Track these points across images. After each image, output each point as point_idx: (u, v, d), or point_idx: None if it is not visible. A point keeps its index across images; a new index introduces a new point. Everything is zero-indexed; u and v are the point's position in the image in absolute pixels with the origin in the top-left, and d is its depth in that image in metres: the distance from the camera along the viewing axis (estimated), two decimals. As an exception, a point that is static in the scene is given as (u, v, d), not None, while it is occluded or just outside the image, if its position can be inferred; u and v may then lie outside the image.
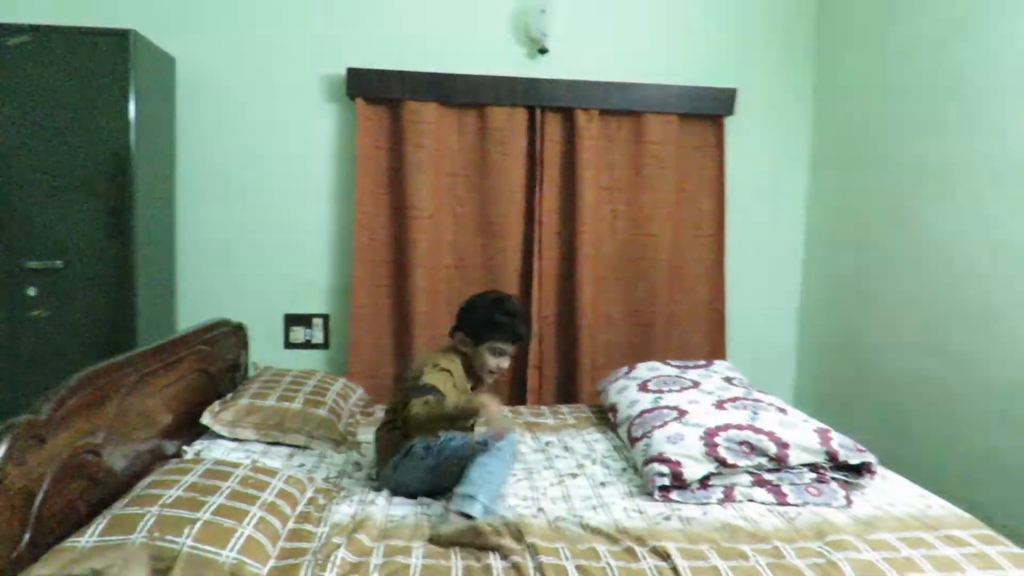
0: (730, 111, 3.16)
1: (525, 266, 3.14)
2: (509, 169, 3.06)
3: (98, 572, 1.24)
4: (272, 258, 3.08)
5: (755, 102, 3.27)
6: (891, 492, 1.92)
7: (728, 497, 1.86)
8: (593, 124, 3.07)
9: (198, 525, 1.37)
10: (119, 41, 2.52)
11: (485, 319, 2.02)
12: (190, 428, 2.15)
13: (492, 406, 1.74)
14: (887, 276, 2.82)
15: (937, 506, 1.83)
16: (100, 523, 1.35)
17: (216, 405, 2.20)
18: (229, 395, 2.33)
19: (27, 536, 1.30)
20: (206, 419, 2.13)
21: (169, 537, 1.32)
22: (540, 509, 1.80)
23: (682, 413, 2.10)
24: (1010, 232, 2.22)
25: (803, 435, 1.93)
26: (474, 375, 2.06)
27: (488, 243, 3.11)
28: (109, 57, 2.51)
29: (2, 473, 1.23)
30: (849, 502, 1.83)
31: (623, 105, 3.08)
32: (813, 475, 1.90)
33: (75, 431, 1.48)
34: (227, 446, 2.09)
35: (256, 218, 3.06)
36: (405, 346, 3.06)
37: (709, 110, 3.14)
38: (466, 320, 2.05)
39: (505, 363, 2.06)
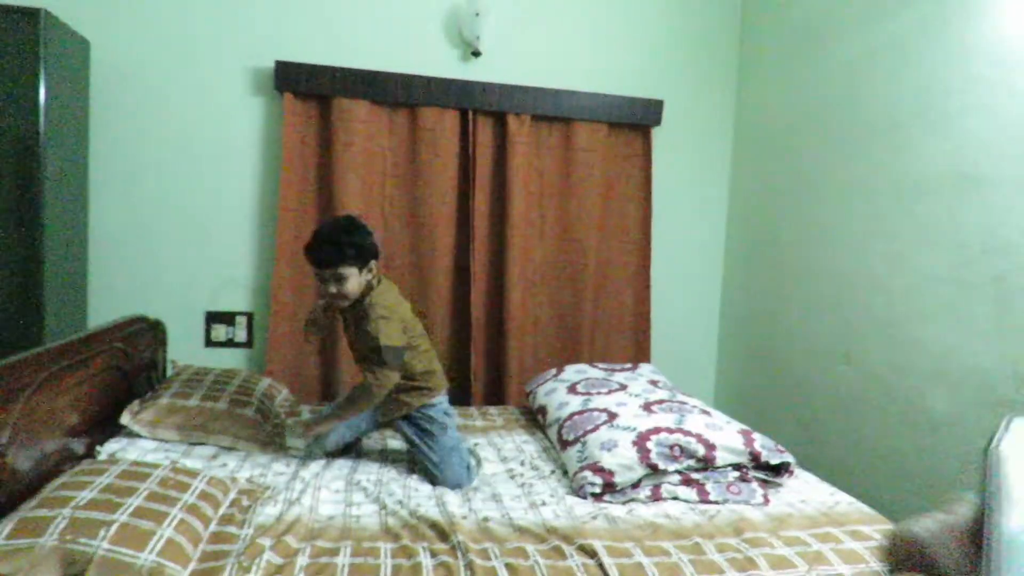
0: (657, 122, 3.25)
1: (456, 268, 3.14)
2: (441, 171, 3.06)
3: (4, 578, 1.17)
4: (193, 254, 2.97)
5: (681, 114, 3.38)
6: (804, 491, 2.02)
7: (655, 496, 1.91)
8: (524, 129, 3.10)
9: (114, 527, 1.31)
10: (29, 20, 2.37)
11: None
12: (102, 429, 2.04)
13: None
14: (799, 285, 2.96)
15: (845, 503, 1.94)
16: (6, 526, 1.27)
17: (135, 404, 2.10)
18: (148, 394, 2.23)
19: (-78, 543, 1.22)
20: (125, 419, 2.03)
21: (83, 540, 1.26)
22: (470, 510, 1.80)
23: (612, 416, 2.15)
24: (909, 245, 2.38)
25: (728, 437, 2.00)
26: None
27: (418, 244, 3.09)
28: (18, 36, 2.37)
29: None
30: (767, 500, 1.92)
31: (554, 111, 3.12)
32: (736, 474, 1.97)
33: (-23, 431, 1.39)
34: (144, 447, 2.00)
35: (176, 212, 2.94)
36: (328, 346, 3.01)
37: (637, 120, 3.23)
38: None
39: (332, 289, 1.97)
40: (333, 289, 1.96)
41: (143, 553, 1.29)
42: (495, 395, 3.18)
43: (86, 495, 1.39)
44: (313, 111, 2.97)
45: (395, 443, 2.29)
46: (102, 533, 1.28)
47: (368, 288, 1.99)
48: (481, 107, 3.05)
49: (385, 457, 2.17)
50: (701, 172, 3.47)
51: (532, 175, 3.17)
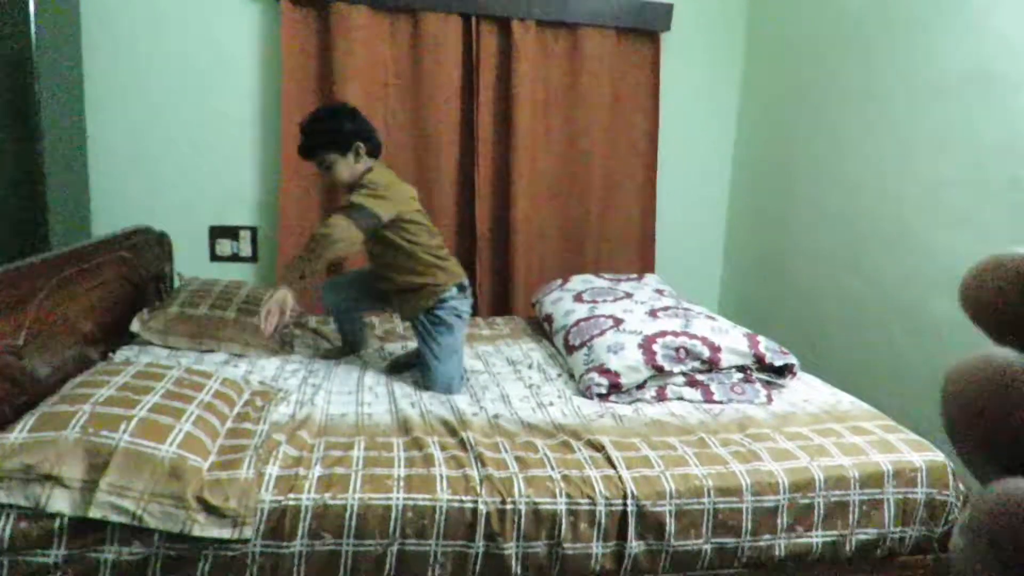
0: (667, 27, 3.15)
1: (461, 179, 3.11)
2: (444, 80, 2.98)
3: (30, 467, 1.21)
4: (195, 168, 2.94)
5: (691, 18, 3.26)
6: (806, 392, 2.06)
7: (660, 396, 1.95)
8: (530, 36, 3.01)
9: (134, 422, 1.34)
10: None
11: None
12: (115, 337, 2.07)
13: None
14: (808, 195, 2.93)
15: (847, 402, 1.98)
16: (28, 420, 1.31)
17: (145, 313, 2.13)
18: (157, 304, 2.25)
19: (-51, 436, 1.25)
20: (135, 326, 2.06)
21: (104, 433, 1.29)
22: (480, 408, 1.84)
23: (618, 322, 2.17)
24: (923, 150, 2.33)
25: (734, 339, 2.02)
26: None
27: (422, 156, 3.05)
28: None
29: (-82, 367, 1.17)
30: (770, 400, 1.95)
31: (560, 16, 3.02)
32: (741, 376, 2.00)
33: (-7, 330, 1.41)
34: (157, 353, 2.03)
35: (176, 126, 2.89)
36: (334, 266, 3.01)
37: (646, 25, 3.12)
38: None
39: (325, 178, 2.01)
40: (326, 178, 1.99)
41: (164, 445, 1.32)
42: (501, 307, 3.20)
43: (104, 392, 1.42)
44: (311, 18, 2.87)
45: (396, 350, 2.32)
46: (123, 427, 1.32)
47: (364, 173, 1.96)
48: (484, 11, 2.95)
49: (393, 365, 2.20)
50: (711, 79, 3.38)
51: (538, 84, 3.10)
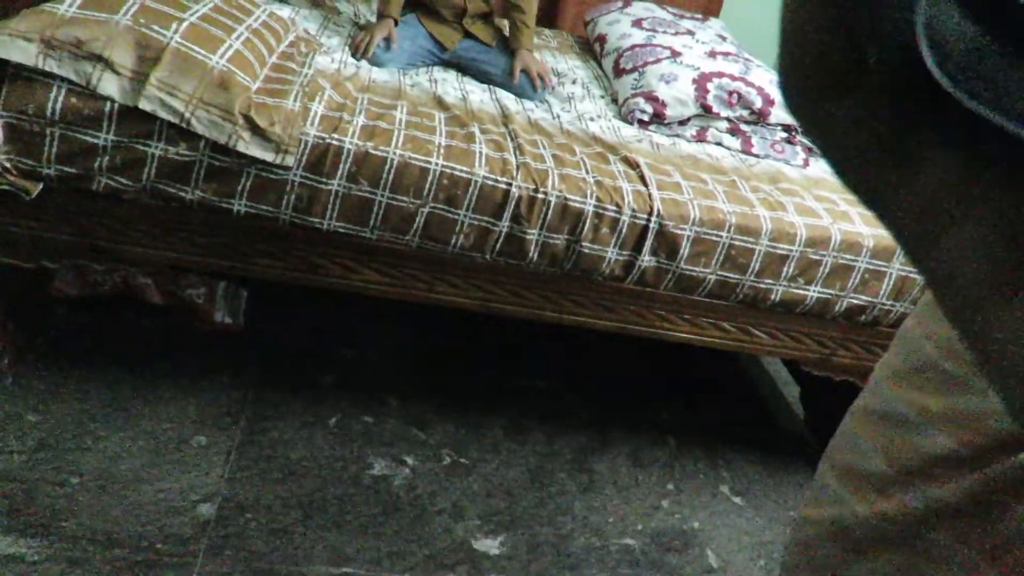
0: None
1: None
2: None
3: (82, 42, 1.18)
4: None
5: None
6: (842, 164, 2.04)
7: (700, 137, 1.93)
8: None
9: (185, 24, 1.30)
10: None
11: None
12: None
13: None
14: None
15: (879, 182, 1.97)
16: (76, -4, 1.26)
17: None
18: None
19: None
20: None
21: (156, 27, 1.26)
22: (523, 108, 1.82)
23: (676, 53, 2.06)
24: None
25: (788, 94, 1.95)
26: None
27: None
28: None
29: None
30: (806, 164, 1.94)
31: None
32: (784, 135, 1.97)
33: None
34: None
35: None
36: None
37: None
38: None
39: None
40: None
41: (214, 56, 1.30)
42: (548, 18, 3.02)
43: (153, -11, 1.35)
44: None
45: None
46: (174, 27, 1.28)
47: None
48: None
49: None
50: None
51: None
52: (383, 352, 1.92)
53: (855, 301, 1.66)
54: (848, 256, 1.60)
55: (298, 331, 1.90)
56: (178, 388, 1.62)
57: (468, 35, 1.98)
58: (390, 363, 1.88)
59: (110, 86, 1.21)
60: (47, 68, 1.18)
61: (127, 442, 1.47)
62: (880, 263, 1.62)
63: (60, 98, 1.21)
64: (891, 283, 1.66)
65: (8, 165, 1.23)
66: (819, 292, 1.63)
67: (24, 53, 1.16)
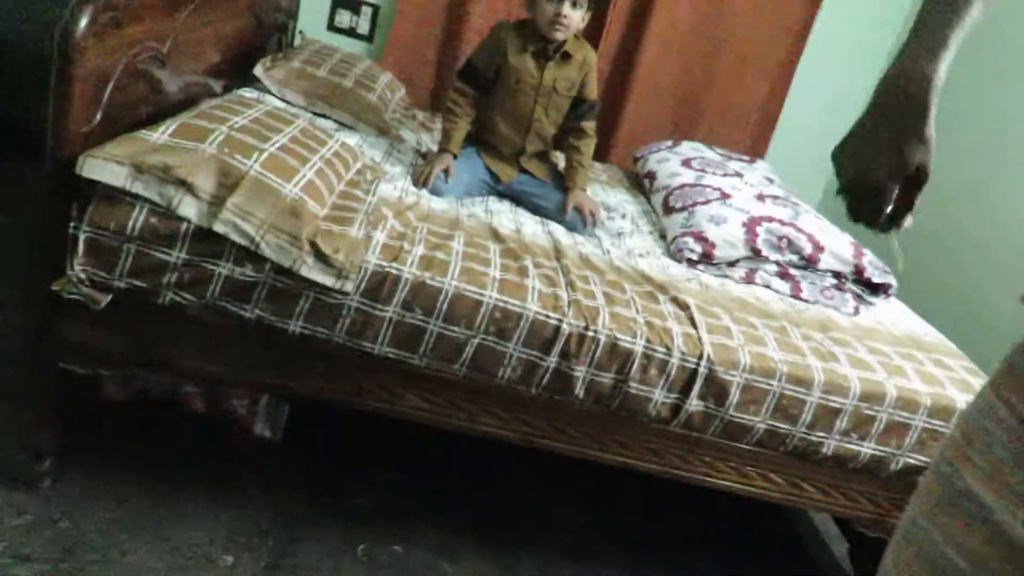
0: None
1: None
2: None
3: (169, 168, 1.26)
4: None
5: None
6: (894, 315, 2.02)
7: (748, 279, 1.93)
8: None
9: (264, 155, 1.37)
10: None
11: None
12: (235, 77, 2.08)
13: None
14: (952, 121, 2.72)
15: (933, 336, 1.94)
16: (171, 125, 1.34)
17: (268, 60, 2.12)
18: (280, 54, 2.23)
19: (98, 116, 1.30)
20: (258, 71, 2.06)
21: (238, 157, 1.33)
22: (575, 243, 1.85)
23: (725, 195, 2.11)
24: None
25: (839, 244, 1.96)
26: (541, 38, 1.92)
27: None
28: None
29: (84, 43, 1.18)
30: (856, 312, 1.93)
31: None
32: (833, 281, 1.96)
33: (146, 30, 1.42)
34: (274, 103, 2.04)
35: None
36: (448, 56, 2.92)
37: None
38: None
39: (566, 8, 1.83)
40: (567, 11, 1.84)
41: (288, 184, 1.36)
42: (598, 152, 3.11)
43: (239, 120, 1.45)
44: None
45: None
46: (255, 156, 1.35)
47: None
48: None
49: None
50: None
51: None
52: (420, 477, 1.88)
53: (912, 461, 1.59)
54: (904, 414, 1.55)
55: (336, 450, 1.88)
56: (211, 501, 1.60)
57: (523, 171, 2.06)
58: (426, 488, 1.84)
59: (189, 209, 1.27)
60: (134, 190, 1.25)
61: (153, 557, 1.43)
62: (939, 422, 1.57)
63: (141, 217, 1.28)
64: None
65: (83, 276, 1.28)
66: (873, 449, 1.58)
67: (115, 176, 1.23)
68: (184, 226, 1.29)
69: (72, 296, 1.29)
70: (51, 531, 1.42)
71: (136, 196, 1.26)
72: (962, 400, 1.59)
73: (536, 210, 2.01)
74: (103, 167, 1.22)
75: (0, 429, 1.59)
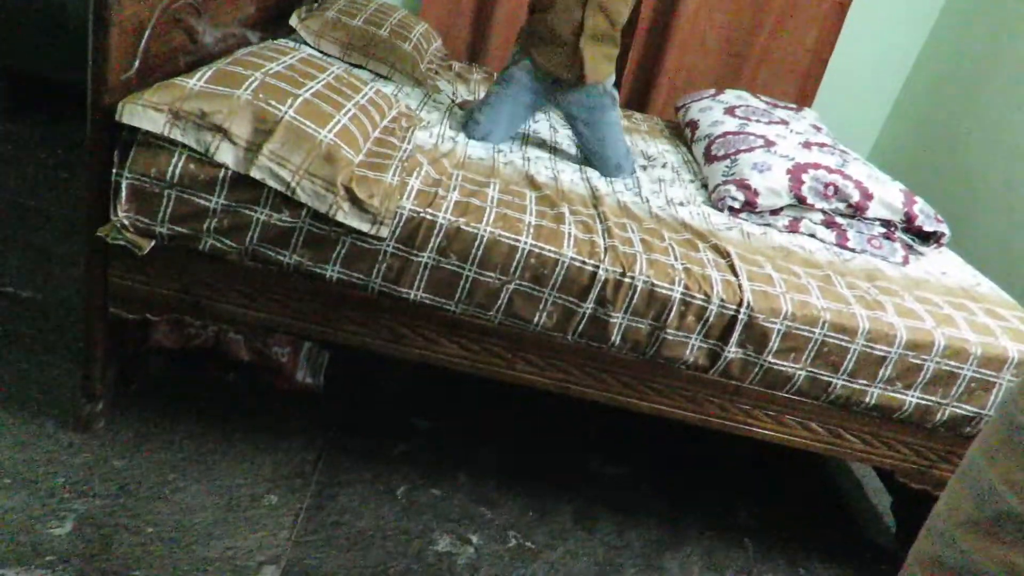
0: None
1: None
2: None
3: (206, 114, 1.27)
4: None
5: None
6: (946, 265, 1.95)
7: (792, 228, 1.88)
8: None
9: (299, 100, 1.38)
10: None
11: None
12: (270, 27, 2.08)
13: None
14: (1010, 73, 2.58)
15: (987, 286, 1.87)
16: (206, 72, 1.35)
17: (303, 11, 2.11)
18: (315, 4, 2.22)
19: (136, 64, 1.31)
20: (293, 21, 2.06)
21: (273, 103, 1.33)
22: (613, 190, 1.82)
23: (769, 143, 2.04)
24: None
25: (889, 192, 1.89)
26: None
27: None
28: None
29: (120, -11, 1.19)
30: (906, 262, 1.86)
31: None
32: (882, 230, 1.90)
33: (181, -23, 1.42)
34: (310, 52, 2.04)
35: None
36: (483, 12, 2.87)
37: None
38: None
39: None
40: None
41: (323, 130, 1.36)
42: (639, 102, 3.06)
43: (274, 67, 1.45)
44: None
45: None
46: (289, 102, 1.35)
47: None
48: None
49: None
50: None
51: None
52: (457, 425, 1.90)
53: (959, 411, 1.55)
54: (953, 363, 1.51)
55: (376, 397, 1.91)
56: (255, 445, 1.64)
57: (580, 63, 1.86)
58: (463, 437, 1.86)
59: (226, 155, 1.28)
60: (172, 136, 1.26)
61: (202, 495, 1.49)
62: (989, 372, 1.52)
63: (180, 163, 1.29)
64: (1000, 395, 1.54)
65: (127, 222, 1.31)
66: (918, 398, 1.54)
67: (154, 122, 1.25)
68: (222, 172, 1.30)
69: (117, 242, 1.32)
70: (107, 469, 1.48)
71: (175, 142, 1.28)
72: (1015, 351, 1.53)
73: (573, 127, 1.97)
74: (142, 113, 1.24)
75: (57, 373, 1.66)
